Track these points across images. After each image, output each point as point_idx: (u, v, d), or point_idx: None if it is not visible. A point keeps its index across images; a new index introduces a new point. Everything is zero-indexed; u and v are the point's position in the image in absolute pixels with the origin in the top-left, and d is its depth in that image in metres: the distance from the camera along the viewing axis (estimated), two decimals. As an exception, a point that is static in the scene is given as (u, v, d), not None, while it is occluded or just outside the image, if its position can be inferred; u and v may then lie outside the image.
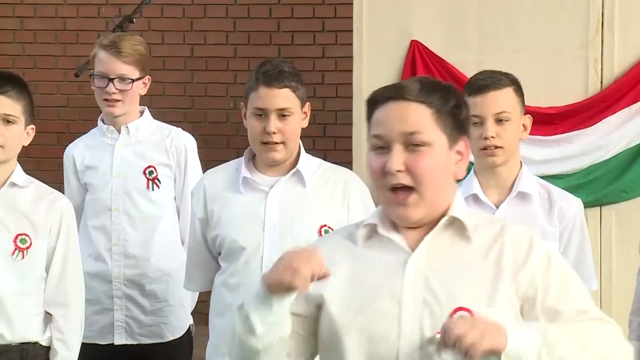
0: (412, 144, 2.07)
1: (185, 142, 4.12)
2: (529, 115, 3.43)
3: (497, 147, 3.29)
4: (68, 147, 4.18)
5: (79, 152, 4.11)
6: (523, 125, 3.39)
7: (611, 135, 5.73)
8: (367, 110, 2.18)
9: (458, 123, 2.14)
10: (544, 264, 2.12)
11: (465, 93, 3.29)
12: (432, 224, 2.14)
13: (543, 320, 2.07)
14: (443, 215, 2.14)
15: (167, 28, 6.81)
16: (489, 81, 3.35)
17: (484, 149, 3.30)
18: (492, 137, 3.27)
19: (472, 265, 2.12)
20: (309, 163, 3.40)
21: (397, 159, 2.05)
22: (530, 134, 3.59)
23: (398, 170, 2.05)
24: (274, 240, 3.26)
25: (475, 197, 3.34)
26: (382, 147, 2.11)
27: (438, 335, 1.97)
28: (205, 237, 3.43)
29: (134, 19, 4.64)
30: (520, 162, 3.44)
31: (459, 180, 2.35)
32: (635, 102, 5.75)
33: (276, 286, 2.02)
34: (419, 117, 2.08)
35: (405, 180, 2.06)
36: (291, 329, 2.16)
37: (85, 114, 3.97)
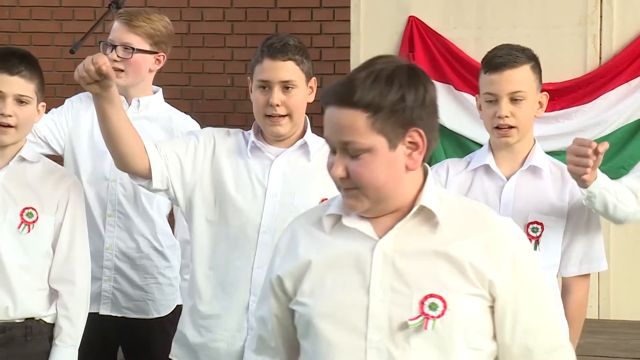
0: (350, 151, 2.03)
1: (186, 126, 3.99)
2: (545, 93, 3.30)
3: (511, 127, 3.17)
4: (74, 98, 4.02)
5: (77, 111, 3.97)
6: (539, 102, 3.25)
7: (610, 111, 5.69)
8: (323, 100, 2.13)
9: (401, 118, 2.03)
10: (511, 256, 2.09)
11: (481, 69, 3.24)
12: (403, 213, 2.10)
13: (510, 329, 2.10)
14: (413, 205, 2.09)
15: (163, 4, 6.63)
16: (505, 59, 3.18)
17: (498, 127, 3.18)
18: (507, 116, 3.14)
19: (441, 252, 2.07)
20: (314, 139, 3.28)
21: (338, 167, 2.05)
22: (528, 111, 3.53)
23: (340, 178, 2.05)
24: (274, 207, 3.18)
25: (487, 168, 3.25)
26: (332, 149, 2.10)
27: (409, 321, 1.98)
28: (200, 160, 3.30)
29: None
30: (534, 138, 3.31)
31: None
32: (634, 78, 5.69)
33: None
34: (353, 125, 2.01)
35: (347, 184, 2.06)
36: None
37: (82, 91, 3.72)
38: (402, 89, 2.01)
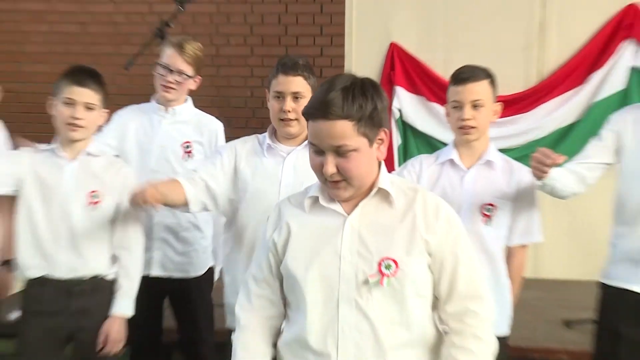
0: (341, 152, 2.08)
1: (216, 127, 4.02)
2: (500, 103, 3.29)
3: (472, 127, 3.18)
4: (124, 110, 4.05)
5: (130, 118, 4.00)
6: (495, 110, 3.25)
7: (546, 118, 5.70)
8: (304, 117, 2.17)
9: (376, 122, 2.11)
10: (445, 226, 2.16)
11: (450, 82, 3.25)
12: (364, 194, 2.17)
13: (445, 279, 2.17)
14: (372, 186, 2.17)
15: (197, 32, 6.63)
16: (469, 74, 3.20)
17: (461, 127, 3.20)
18: (469, 119, 3.16)
19: (394, 224, 2.14)
20: None
21: (330, 165, 2.08)
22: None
23: (333, 174, 2.09)
24: (287, 195, 3.10)
25: (452, 161, 3.25)
26: (318, 150, 2.11)
27: (370, 278, 2.06)
28: (232, 168, 3.32)
29: (171, 25, 4.48)
30: (489, 139, 3.32)
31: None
32: (565, 93, 5.68)
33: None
34: (343, 131, 2.06)
35: (337, 177, 2.10)
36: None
37: (135, 100, 3.86)
38: (374, 99, 2.09)
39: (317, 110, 2.07)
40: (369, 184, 2.17)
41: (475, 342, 2.14)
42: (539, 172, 2.98)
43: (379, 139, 2.14)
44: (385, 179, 2.19)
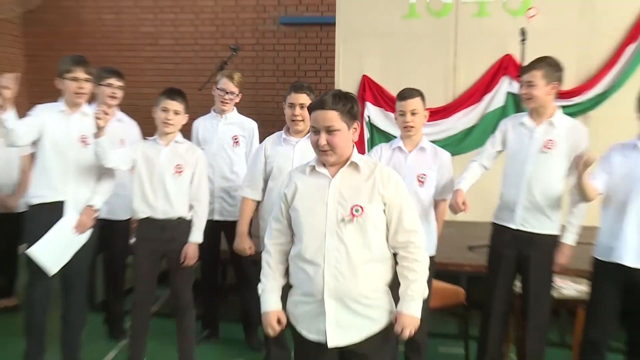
0: (330, 131, 2.08)
1: (253, 126, 3.95)
2: (428, 111, 3.21)
3: (411, 127, 3.12)
4: (198, 119, 4.03)
5: (198, 125, 3.99)
6: (425, 115, 3.17)
7: (456, 122, 5.53)
8: (309, 110, 2.16)
9: (352, 116, 2.11)
10: (394, 185, 2.13)
11: (396, 99, 3.16)
12: (342, 164, 2.14)
13: (394, 219, 2.13)
14: (347, 160, 2.14)
15: (243, 68, 6.54)
16: (408, 94, 3.12)
17: (405, 127, 3.13)
18: (409, 122, 3.10)
19: (361, 184, 2.11)
20: None
21: (322, 139, 2.08)
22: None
23: (324, 145, 2.08)
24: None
25: (399, 148, 3.17)
26: (316, 130, 2.10)
27: (345, 217, 2.05)
28: (264, 160, 3.29)
29: (228, 63, 4.53)
30: (422, 133, 3.23)
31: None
32: (469, 107, 5.52)
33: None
34: (332, 118, 2.07)
35: (326, 148, 2.09)
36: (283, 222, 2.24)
37: (204, 110, 3.83)
38: (352, 102, 2.11)
39: (317, 105, 2.10)
40: (346, 156, 2.14)
41: (416, 264, 2.11)
42: (453, 212, 3.03)
43: (354, 128, 2.13)
44: (356, 156, 2.15)
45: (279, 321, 2.17)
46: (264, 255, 2.25)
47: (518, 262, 3.08)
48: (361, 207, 2.05)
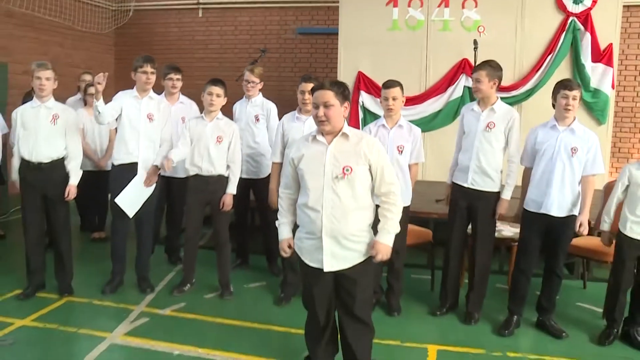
0: (326, 106, 1.98)
1: (271, 107, 3.69)
2: (405, 98, 3.05)
3: (392, 110, 2.95)
4: (235, 104, 3.79)
5: (236, 106, 3.75)
6: (403, 101, 3.00)
7: (427, 107, 5.32)
8: (311, 91, 2.07)
9: (344, 97, 2.02)
10: (376, 151, 2.02)
11: (382, 88, 2.98)
12: (336, 134, 2.03)
13: (378, 176, 2.02)
14: (340, 131, 2.02)
15: (269, 65, 6.43)
16: (390, 84, 2.95)
17: (388, 109, 2.96)
18: (390, 105, 2.94)
19: (350, 149, 2.01)
20: None
21: (321, 111, 1.99)
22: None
23: (321, 116, 1.99)
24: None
25: (383, 125, 2.99)
26: (316, 105, 2.01)
27: (339, 175, 1.96)
28: (282, 132, 3.14)
29: (257, 61, 4.40)
30: (401, 115, 3.05)
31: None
32: (436, 96, 5.30)
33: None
34: (328, 95, 1.99)
35: (323, 118, 1.99)
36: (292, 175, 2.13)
37: (237, 97, 3.73)
38: (344, 87, 2.05)
39: (318, 86, 2.03)
40: (338, 127, 2.03)
41: (393, 207, 2.03)
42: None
43: (345, 106, 2.04)
44: (347, 128, 2.04)
45: (289, 246, 2.14)
46: (279, 201, 2.20)
47: (469, 211, 2.99)
48: (350, 168, 1.98)
